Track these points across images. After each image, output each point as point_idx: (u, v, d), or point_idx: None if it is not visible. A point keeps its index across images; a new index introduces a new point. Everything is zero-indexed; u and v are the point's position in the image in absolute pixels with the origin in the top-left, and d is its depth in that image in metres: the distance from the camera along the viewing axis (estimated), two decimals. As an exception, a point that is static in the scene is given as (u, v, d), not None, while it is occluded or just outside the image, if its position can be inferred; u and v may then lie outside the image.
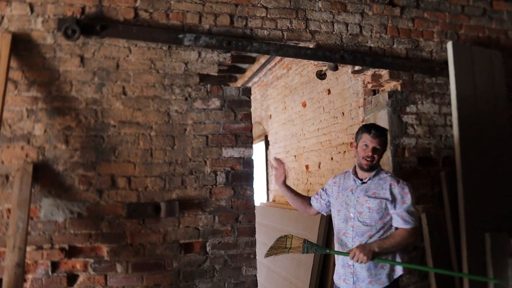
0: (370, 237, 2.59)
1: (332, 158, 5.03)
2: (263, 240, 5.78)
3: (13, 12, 2.71)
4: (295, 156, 6.27)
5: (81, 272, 2.71)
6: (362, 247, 2.53)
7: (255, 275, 2.98)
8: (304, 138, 5.90)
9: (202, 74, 2.98)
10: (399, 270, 2.64)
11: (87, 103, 2.78)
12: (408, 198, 2.61)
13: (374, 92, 3.69)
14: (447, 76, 3.37)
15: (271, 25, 3.11)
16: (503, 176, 3.39)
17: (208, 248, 2.90)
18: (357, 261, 2.51)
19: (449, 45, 3.36)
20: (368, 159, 2.66)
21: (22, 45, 2.71)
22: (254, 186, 3.04)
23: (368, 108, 3.63)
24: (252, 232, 2.99)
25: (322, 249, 2.72)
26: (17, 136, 2.68)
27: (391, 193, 2.61)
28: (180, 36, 2.89)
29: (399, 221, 2.59)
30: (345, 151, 4.78)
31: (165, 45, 2.91)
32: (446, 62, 3.40)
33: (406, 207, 2.60)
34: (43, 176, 2.68)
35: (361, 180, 2.72)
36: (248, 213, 2.99)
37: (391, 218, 2.62)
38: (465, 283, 3.08)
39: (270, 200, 7.49)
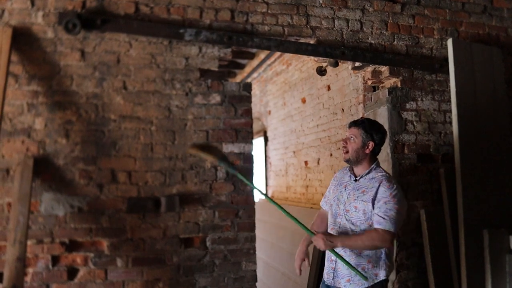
0: None
1: (331, 154, 5.03)
2: (262, 236, 5.80)
3: (14, 5, 2.71)
4: (294, 152, 6.28)
5: (82, 266, 2.72)
6: (327, 236, 2.50)
7: (255, 270, 2.99)
8: (304, 134, 5.91)
9: (203, 69, 2.98)
10: (381, 275, 2.55)
11: (88, 98, 2.78)
12: (392, 200, 2.49)
13: (374, 88, 3.70)
14: (447, 73, 3.38)
15: (272, 21, 3.11)
16: (502, 173, 3.40)
17: (208, 243, 2.91)
18: (316, 245, 2.51)
19: (449, 42, 3.36)
20: (343, 150, 2.65)
21: (22, 39, 2.71)
22: (254, 181, 3.04)
23: (368, 105, 3.64)
24: (252, 227, 3.00)
25: (234, 170, 2.71)
26: (17, 130, 2.68)
27: (377, 192, 2.53)
28: (181, 31, 2.89)
29: (376, 219, 2.50)
30: (344, 147, 4.78)
31: (166, 40, 2.91)
32: (446, 59, 3.40)
33: (385, 208, 2.48)
34: (44, 170, 2.69)
35: (355, 176, 2.69)
36: (248, 208, 3.00)
37: None
38: (463, 279, 3.09)
39: (269, 196, 7.50)
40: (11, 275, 2.36)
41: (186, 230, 2.88)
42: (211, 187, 2.94)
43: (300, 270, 2.72)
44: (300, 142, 6.03)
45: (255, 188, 2.74)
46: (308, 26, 3.19)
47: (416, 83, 3.42)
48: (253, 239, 3.01)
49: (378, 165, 2.69)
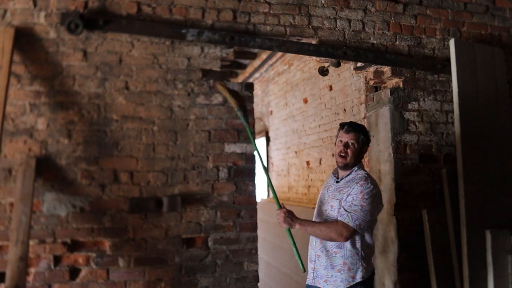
0: None
1: (333, 155, 5.03)
2: (264, 236, 5.80)
3: (16, 6, 2.71)
4: (296, 152, 6.28)
5: (84, 266, 2.72)
6: (290, 214, 2.54)
7: (257, 271, 2.99)
8: (305, 134, 5.90)
9: (205, 70, 2.98)
10: (358, 277, 2.53)
11: (90, 98, 2.78)
12: (360, 197, 2.49)
13: (376, 88, 3.70)
14: (449, 73, 3.37)
15: (274, 21, 3.11)
16: (504, 174, 3.40)
17: (210, 243, 2.91)
18: (277, 219, 2.56)
19: (452, 42, 3.36)
20: (342, 155, 2.63)
21: (25, 39, 2.71)
22: (256, 181, 3.04)
23: (370, 105, 3.63)
24: (254, 227, 3.00)
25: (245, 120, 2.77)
26: (20, 130, 2.68)
27: (352, 190, 2.54)
28: (183, 31, 2.89)
29: (340, 212, 2.51)
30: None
31: (168, 40, 2.91)
32: (448, 59, 3.40)
33: (351, 203, 2.49)
34: (46, 170, 2.69)
35: (338, 178, 2.71)
36: (250, 208, 3.00)
37: None
38: (465, 279, 3.09)
39: (271, 196, 7.50)
40: (13, 275, 2.36)
41: (188, 230, 2.88)
42: (213, 187, 2.94)
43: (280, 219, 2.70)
44: (302, 142, 6.03)
45: (258, 152, 2.78)
46: (310, 26, 3.19)
47: (418, 83, 3.41)
48: (255, 239, 3.01)
49: (360, 167, 2.70)
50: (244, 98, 2.93)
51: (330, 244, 2.58)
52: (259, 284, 3.02)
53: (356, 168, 2.67)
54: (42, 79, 2.72)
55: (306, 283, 2.73)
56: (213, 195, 2.94)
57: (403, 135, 3.34)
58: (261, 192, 7.76)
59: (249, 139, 2.99)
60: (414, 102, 3.39)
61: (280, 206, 2.61)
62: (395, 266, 3.25)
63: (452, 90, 3.38)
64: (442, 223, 3.26)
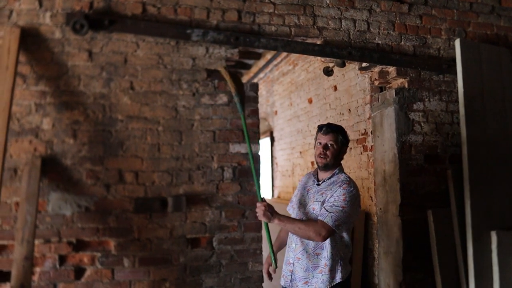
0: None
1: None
2: (267, 236, 5.79)
3: (22, 6, 2.72)
4: (300, 152, 6.27)
5: (89, 265, 2.73)
6: (270, 208, 2.52)
7: (261, 271, 2.98)
8: (310, 134, 5.90)
9: (210, 70, 2.98)
10: (337, 278, 2.54)
11: (95, 98, 2.79)
12: (342, 199, 2.50)
13: (381, 89, 3.69)
14: (455, 73, 3.35)
15: (278, 21, 3.11)
16: (510, 174, 3.38)
17: (214, 243, 2.91)
18: (257, 213, 2.53)
19: (457, 43, 3.34)
20: (321, 156, 2.64)
21: (30, 40, 2.72)
22: (261, 181, 3.04)
23: (375, 105, 3.62)
24: (258, 227, 3.00)
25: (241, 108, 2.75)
26: (25, 130, 2.69)
27: (334, 193, 2.54)
28: (188, 31, 2.89)
29: (321, 212, 2.51)
30: (351, 148, 4.78)
31: (173, 40, 2.91)
32: (453, 60, 3.38)
33: (332, 204, 2.49)
34: (51, 170, 2.70)
35: (318, 181, 2.70)
36: (254, 208, 2.99)
37: None
38: (471, 280, 3.07)
39: (275, 196, 7.50)
40: (19, 274, 2.37)
41: (192, 230, 2.89)
42: (217, 187, 2.94)
43: (269, 276, 2.72)
44: (307, 143, 6.02)
45: (248, 145, 2.76)
46: (315, 27, 3.19)
47: (424, 83, 3.40)
48: (259, 240, 3.01)
49: (341, 170, 2.71)
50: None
51: (312, 246, 2.58)
52: (263, 284, 3.02)
53: (338, 171, 2.68)
54: (48, 79, 2.73)
55: (282, 284, 2.71)
56: (218, 195, 2.94)
57: (408, 135, 3.33)
58: (265, 192, 7.76)
59: (254, 139, 2.99)
60: (419, 103, 3.38)
61: (262, 199, 2.59)
62: (400, 266, 3.24)
63: (457, 90, 3.36)
64: (447, 223, 3.24)
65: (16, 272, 2.38)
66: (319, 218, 2.50)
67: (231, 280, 2.92)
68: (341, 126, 2.75)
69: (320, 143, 2.66)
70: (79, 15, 2.74)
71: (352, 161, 4.77)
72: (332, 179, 2.65)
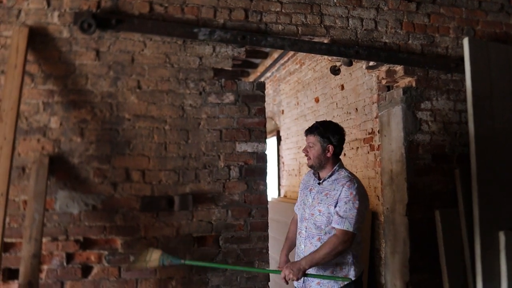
0: (319, 241, 2.55)
1: (345, 154, 5.01)
2: (274, 235, 5.79)
3: (30, 6, 2.74)
4: (307, 151, 6.25)
5: (96, 263, 2.74)
6: (291, 266, 2.48)
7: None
8: (317, 133, 5.87)
9: (217, 69, 2.98)
10: (350, 276, 2.54)
11: (102, 97, 2.80)
12: (352, 200, 2.49)
13: (388, 88, 3.67)
14: (463, 72, 3.33)
15: (285, 20, 3.10)
16: (518, 174, 3.35)
17: (221, 242, 2.92)
18: (289, 280, 2.48)
19: (465, 41, 3.32)
20: (306, 158, 2.68)
21: (38, 39, 2.74)
22: (267, 181, 3.04)
23: (382, 104, 3.61)
24: (265, 226, 3.00)
25: (178, 259, 2.68)
26: (33, 129, 2.71)
27: (341, 193, 2.52)
28: (195, 30, 2.89)
29: (335, 219, 2.49)
30: (358, 147, 4.77)
31: (180, 39, 2.92)
32: (462, 58, 3.36)
33: (345, 208, 2.48)
34: (59, 168, 2.72)
35: (320, 179, 2.69)
36: (261, 207, 3.00)
37: None
38: (478, 281, 3.05)
39: (282, 195, 7.49)
40: (26, 272, 2.39)
41: (199, 229, 2.89)
42: (224, 186, 2.94)
43: (286, 281, 2.72)
44: (313, 142, 6.00)
45: (192, 263, 2.75)
46: (322, 25, 3.18)
47: (431, 82, 3.38)
48: (266, 239, 3.01)
49: (341, 166, 2.69)
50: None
51: None
52: (269, 283, 3.02)
53: (337, 168, 2.66)
54: (55, 78, 2.75)
55: (295, 285, 2.70)
56: (224, 194, 2.94)
57: (416, 134, 3.31)
58: (272, 191, 7.76)
59: (261, 138, 3.00)
60: (427, 102, 3.36)
61: (279, 271, 2.55)
62: (407, 266, 3.23)
63: (465, 89, 3.34)
64: (455, 223, 3.22)
65: (24, 270, 2.39)
66: (337, 226, 2.48)
67: (237, 279, 2.93)
68: (323, 125, 2.68)
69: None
70: (87, 15, 2.75)
71: (359, 160, 4.75)
72: (333, 177, 2.63)
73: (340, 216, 2.48)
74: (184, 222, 2.87)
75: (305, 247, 2.63)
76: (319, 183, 2.68)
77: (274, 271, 2.60)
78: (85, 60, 2.79)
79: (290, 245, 2.89)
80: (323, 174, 2.68)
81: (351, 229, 2.46)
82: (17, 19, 2.72)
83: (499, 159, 3.29)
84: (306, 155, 2.69)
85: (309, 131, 2.68)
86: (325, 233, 2.55)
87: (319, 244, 2.55)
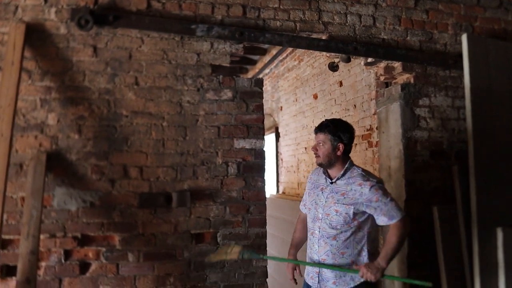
0: (335, 240, 2.55)
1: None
2: (272, 232, 5.80)
3: (27, 2, 2.73)
4: (305, 148, 6.26)
5: (94, 260, 2.74)
6: (369, 266, 2.46)
7: (265, 266, 2.99)
8: (315, 130, 5.87)
9: (214, 65, 2.98)
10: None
11: (100, 93, 2.80)
12: (380, 194, 2.49)
13: (387, 84, 3.66)
14: (461, 69, 3.33)
15: (283, 16, 3.10)
16: (516, 171, 3.36)
17: (219, 239, 2.92)
18: (367, 279, 2.45)
19: (464, 38, 3.31)
20: (316, 156, 2.64)
21: (35, 35, 2.73)
22: (265, 177, 3.04)
23: (380, 101, 3.60)
24: (263, 223, 3.00)
25: (258, 255, 2.79)
26: (30, 126, 2.70)
27: (361, 194, 2.51)
28: (193, 26, 2.89)
29: (384, 219, 2.49)
30: (356, 144, 4.76)
31: (177, 36, 2.91)
32: (460, 55, 3.36)
33: (384, 203, 2.48)
34: (56, 165, 2.71)
35: (331, 179, 2.65)
36: (259, 204, 3.00)
37: (358, 222, 2.54)
38: (476, 277, 3.06)
39: (280, 192, 7.50)
40: (24, 268, 2.39)
41: (197, 225, 2.89)
42: (222, 183, 2.94)
43: (295, 280, 2.72)
44: (312, 138, 5.98)
45: (275, 259, 2.90)
46: (320, 22, 3.17)
47: (430, 79, 3.38)
48: (264, 235, 3.01)
49: (351, 164, 2.66)
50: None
51: (336, 246, 2.55)
52: (267, 279, 3.02)
53: (349, 166, 2.63)
54: (53, 74, 2.74)
55: (310, 284, 2.68)
56: (222, 190, 2.94)
57: (414, 131, 3.31)
58: (270, 188, 7.76)
59: (259, 135, 2.99)
60: (425, 98, 3.36)
61: (357, 271, 2.51)
62: (405, 263, 3.23)
63: (464, 86, 3.33)
64: (453, 220, 3.23)
65: (22, 266, 2.39)
66: (394, 221, 2.48)
67: (235, 275, 2.93)
68: (334, 123, 2.66)
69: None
70: (84, 11, 2.74)
71: (357, 157, 4.75)
72: (346, 176, 2.60)
73: (385, 213, 2.49)
74: (182, 219, 2.87)
75: (319, 247, 2.60)
76: (332, 182, 2.64)
77: (353, 271, 2.53)
78: (82, 57, 2.78)
79: (298, 244, 2.87)
80: (334, 173, 2.64)
81: (400, 215, 2.49)
82: (14, 15, 2.71)
83: (497, 155, 3.29)
84: (316, 153, 2.63)
85: (319, 129, 2.63)
86: (341, 232, 2.54)
87: (334, 243, 2.54)
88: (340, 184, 2.60)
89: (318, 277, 2.62)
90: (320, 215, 2.61)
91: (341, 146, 2.60)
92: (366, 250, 2.57)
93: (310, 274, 2.68)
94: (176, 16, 2.92)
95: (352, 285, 2.55)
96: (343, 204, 2.53)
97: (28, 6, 2.73)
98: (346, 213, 2.51)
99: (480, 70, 3.31)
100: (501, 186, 3.26)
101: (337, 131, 2.60)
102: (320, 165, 2.66)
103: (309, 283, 2.68)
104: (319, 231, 2.60)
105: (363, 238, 2.58)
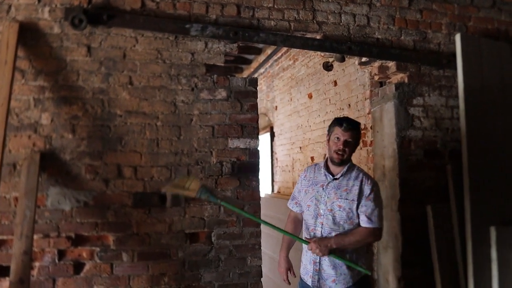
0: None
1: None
2: (267, 231, 5.80)
3: (20, 1, 2.72)
4: (300, 147, 6.27)
5: (88, 260, 2.73)
6: (319, 241, 2.52)
7: (260, 266, 2.99)
8: (310, 129, 5.89)
9: (209, 65, 2.97)
10: (362, 272, 2.62)
11: (94, 93, 2.79)
12: (373, 197, 2.60)
13: (381, 84, 3.67)
14: (455, 68, 3.34)
15: (278, 16, 3.10)
16: (510, 170, 3.37)
17: (213, 238, 2.92)
18: (314, 253, 2.53)
19: (457, 37, 3.33)
20: (340, 153, 2.63)
21: (29, 35, 2.71)
22: (260, 177, 3.04)
23: (375, 100, 3.61)
24: (257, 223, 3.00)
25: (216, 199, 2.70)
26: (24, 125, 2.69)
27: (360, 190, 2.59)
28: (187, 26, 2.88)
29: (364, 219, 2.59)
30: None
31: (171, 35, 2.90)
32: (454, 54, 3.37)
33: (371, 208, 2.59)
34: (50, 165, 2.70)
35: (333, 175, 2.68)
36: (253, 203, 3.00)
37: (359, 218, 2.62)
38: (470, 276, 3.08)
39: (275, 191, 7.50)
40: (17, 269, 2.38)
41: (191, 225, 2.89)
42: (216, 182, 2.94)
43: (289, 281, 2.73)
44: (307, 138, 6.02)
45: (227, 206, 2.76)
46: (315, 21, 3.18)
47: (424, 78, 3.39)
48: (258, 235, 3.01)
49: (352, 163, 2.73)
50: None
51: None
52: (262, 279, 3.02)
53: (351, 164, 2.70)
54: (46, 74, 2.73)
55: (309, 284, 2.68)
56: (217, 190, 2.94)
57: (408, 130, 3.32)
58: (265, 187, 7.77)
59: (253, 134, 2.99)
60: (419, 98, 3.37)
61: (307, 242, 2.60)
62: (399, 262, 3.24)
63: (457, 85, 3.35)
64: (446, 219, 3.24)
65: (15, 267, 2.38)
66: (370, 226, 2.58)
67: (230, 275, 2.93)
68: (358, 123, 2.73)
69: (338, 139, 2.64)
70: (78, 10, 2.73)
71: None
72: (349, 173, 2.66)
73: (367, 217, 2.58)
74: (176, 218, 2.86)
75: None
76: (335, 179, 2.66)
77: (302, 241, 2.64)
78: (76, 56, 2.77)
79: (290, 243, 2.88)
80: (337, 170, 2.68)
81: (380, 226, 2.62)
82: (7, 14, 2.70)
83: (490, 154, 3.31)
84: (342, 149, 2.62)
85: (352, 126, 2.64)
86: (343, 228, 2.59)
87: (364, 245, 2.63)
88: (343, 181, 2.65)
89: (318, 275, 2.63)
90: (321, 211, 2.64)
91: (359, 145, 2.74)
92: (364, 247, 2.67)
93: (309, 273, 2.68)
94: (170, 15, 2.91)
95: (351, 283, 2.58)
96: (346, 199, 2.59)
97: (22, 5, 2.72)
98: (350, 209, 2.58)
99: (474, 70, 3.33)
100: (495, 184, 3.28)
101: (360, 130, 2.73)
102: (341, 162, 2.66)
103: (308, 282, 2.68)
104: (322, 227, 2.62)
105: None
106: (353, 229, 2.59)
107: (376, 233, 2.61)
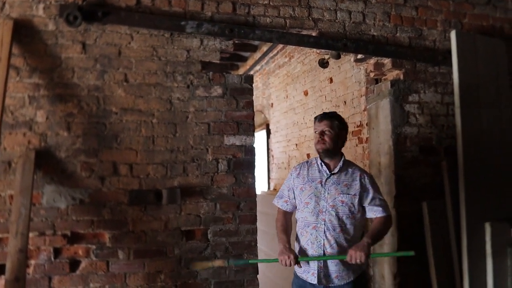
0: (342, 232, 2.57)
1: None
2: (263, 229, 5.80)
3: (15, -2, 2.70)
4: (296, 145, 6.27)
5: (83, 258, 2.73)
6: (355, 247, 2.46)
7: (256, 262, 2.99)
8: (306, 126, 5.89)
9: (204, 62, 2.97)
10: (362, 267, 2.63)
11: (89, 90, 2.78)
12: (376, 188, 2.69)
13: (377, 81, 3.68)
14: (450, 65, 3.35)
15: (273, 13, 3.09)
16: (504, 166, 3.39)
17: (209, 235, 2.92)
18: (357, 261, 2.44)
19: (453, 34, 3.33)
20: (320, 143, 2.63)
21: (23, 32, 2.70)
22: (256, 174, 3.04)
23: (370, 97, 3.62)
24: (253, 219, 3.01)
25: (244, 261, 2.87)
26: (19, 123, 2.68)
27: (361, 185, 2.63)
28: (182, 23, 2.88)
29: (378, 209, 2.64)
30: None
31: (167, 32, 2.90)
32: (449, 51, 3.37)
33: (378, 198, 2.66)
34: (45, 162, 2.69)
35: (330, 170, 2.67)
36: (249, 200, 3.00)
37: (361, 213, 2.64)
38: (465, 272, 3.09)
39: (271, 188, 7.50)
40: (13, 267, 2.37)
41: (187, 222, 2.89)
42: (212, 180, 2.94)
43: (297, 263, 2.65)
44: (303, 135, 6.02)
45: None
46: (310, 18, 3.17)
47: (419, 75, 3.40)
48: (254, 232, 3.01)
49: (345, 158, 2.74)
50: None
51: (342, 240, 2.57)
52: (258, 276, 3.03)
53: (345, 159, 2.71)
54: (41, 71, 2.72)
55: (311, 282, 2.61)
56: (213, 187, 2.94)
57: (404, 127, 3.33)
58: (261, 185, 7.77)
59: (249, 131, 2.99)
60: (414, 94, 3.38)
61: (344, 257, 2.51)
62: (395, 258, 3.25)
63: (453, 82, 3.35)
64: (442, 215, 3.25)
65: (11, 265, 2.38)
66: (383, 214, 2.64)
67: (226, 272, 2.93)
68: (335, 112, 2.78)
69: (316, 131, 2.67)
70: (73, 7, 2.72)
71: (347, 153, 4.73)
72: (346, 168, 2.68)
73: (380, 206, 2.65)
74: (172, 216, 2.86)
75: (325, 239, 2.57)
76: (333, 174, 2.65)
77: (342, 256, 2.52)
78: (71, 53, 2.76)
79: (289, 239, 2.78)
80: (333, 164, 2.68)
81: (390, 213, 2.70)
82: (2, 11, 2.68)
83: (485, 151, 3.32)
84: (321, 140, 2.63)
85: (324, 117, 2.68)
86: (347, 223, 2.60)
87: (341, 235, 2.57)
88: (341, 175, 2.66)
89: (322, 272, 2.58)
90: (323, 208, 2.61)
91: (344, 134, 2.71)
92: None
93: (310, 270, 2.62)
94: (165, 12, 2.91)
95: (352, 278, 2.59)
96: (348, 194, 2.61)
97: (16, 2, 2.70)
98: (352, 203, 2.60)
99: (469, 67, 3.34)
100: (490, 181, 3.29)
101: (342, 122, 2.73)
102: (325, 151, 2.64)
103: (308, 280, 2.63)
104: (324, 224, 2.59)
105: (361, 229, 2.70)
106: (374, 222, 2.65)
107: (391, 220, 2.74)
